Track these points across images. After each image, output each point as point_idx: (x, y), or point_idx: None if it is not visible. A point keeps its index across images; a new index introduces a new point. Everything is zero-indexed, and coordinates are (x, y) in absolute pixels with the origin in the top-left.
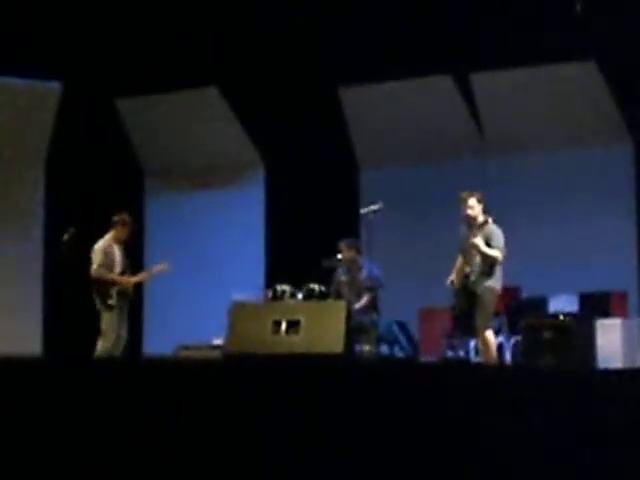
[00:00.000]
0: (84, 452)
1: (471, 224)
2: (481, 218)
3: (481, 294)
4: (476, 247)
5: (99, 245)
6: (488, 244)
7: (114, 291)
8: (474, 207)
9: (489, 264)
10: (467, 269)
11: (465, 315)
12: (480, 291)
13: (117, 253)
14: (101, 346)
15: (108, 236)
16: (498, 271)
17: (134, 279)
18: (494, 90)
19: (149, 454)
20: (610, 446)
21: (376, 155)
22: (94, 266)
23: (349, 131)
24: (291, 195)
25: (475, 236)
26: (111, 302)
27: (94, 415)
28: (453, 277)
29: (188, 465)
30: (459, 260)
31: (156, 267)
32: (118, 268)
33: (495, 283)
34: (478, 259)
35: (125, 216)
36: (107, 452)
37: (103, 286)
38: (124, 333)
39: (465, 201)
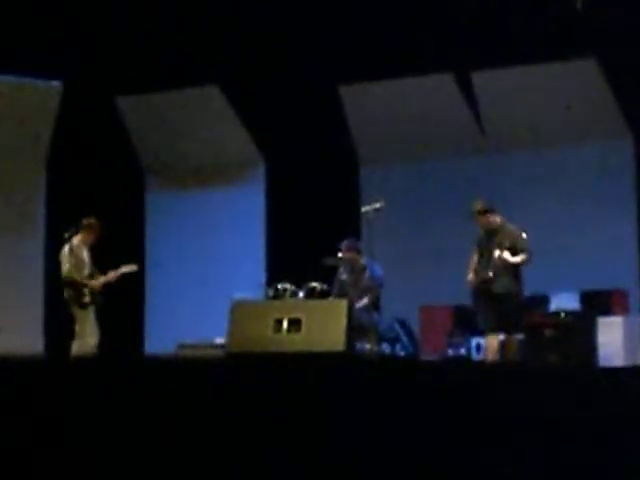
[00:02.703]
0: (83, 450)
1: (490, 233)
2: (495, 224)
3: (506, 296)
4: (505, 261)
5: (67, 248)
6: (514, 247)
7: (87, 290)
8: (483, 219)
9: (518, 267)
10: (489, 273)
11: (491, 316)
12: (505, 293)
13: (85, 256)
14: (82, 345)
15: (76, 239)
16: (521, 274)
17: (102, 280)
18: (495, 88)
19: (149, 452)
20: (611, 444)
21: (377, 153)
22: (65, 268)
23: (350, 129)
24: (292, 193)
25: (502, 249)
26: (85, 300)
27: (94, 413)
28: (472, 276)
29: (188, 463)
30: (475, 259)
31: (124, 267)
32: (86, 270)
33: (518, 285)
34: (504, 265)
35: (93, 220)
36: (107, 450)
37: (76, 287)
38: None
39: (473, 216)
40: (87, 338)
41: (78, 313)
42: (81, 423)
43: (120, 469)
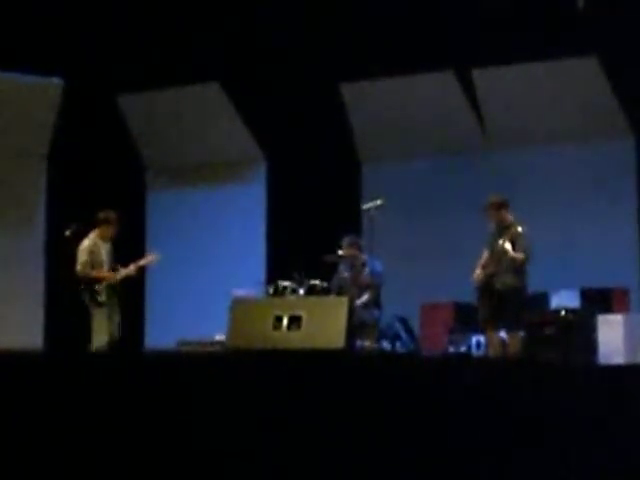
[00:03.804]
0: (84, 443)
1: (500, 228)
2: (507, 221)
3: (507, 293)
4: (506, 252)
5: (84, 244)
6: (512, 244)
7: (102, 288)
8: (495, 215)
9: (517, 265)
10: (492, 268)
11: (489, 312)
12: (505, 290)
13: (103, 251)
14: (95, 342)
15: (93, 234)
16: (524, 271)
17: (122, 273)
18: (496, 86)
19: (148, 446)
20: (612, 441)
21: (378, 151)
22: (79, 266)
23: (351, 127)
24: (293, 191)
25: (504, 241)
26: (101, 299)
27: (95, 407)
28: (478, 272)
29: (188, 457)
30: (485, 255)
31: (146, 258)
32: (105, 265)
33: (520, 282)
34: (506, 260)
35: (110, 214)
36: (108, 443)
37: (90, 284)
38: (116, 329)
39: (486, 210)
40: (98, 336)
41: (92, 310)
42: (82, 416)
43: (119, 461)
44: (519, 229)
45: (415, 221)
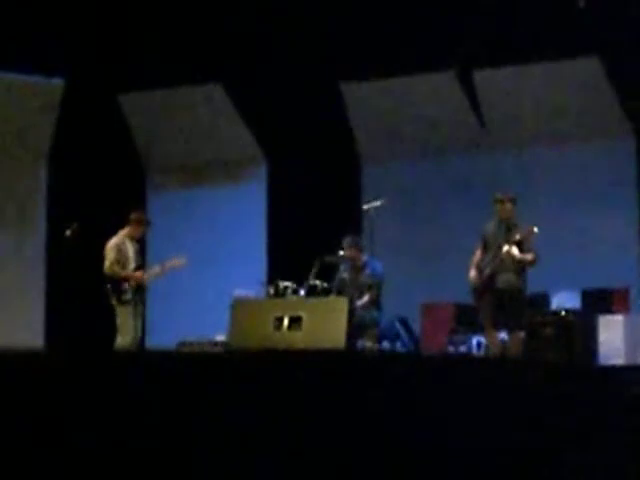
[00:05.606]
0: (83, 446)
1: (506, 226)
2: (514, 218)
3: (509, 293)
4: (514, 257)
5: (112, 242)
6: (523, 244)
7: (128, 286)
8: (510, 210)
9: (525, 265)
10: (491, 268)
11: (490, 312)
12: (509, 289)
13: (130, 250)
14: (119, 341)
15: (122, 233)
16: (524, 272)
17: (149, 274)
18: (497, 86)
19: (148, 449)
20: (611, 444)
21: (378, 151)
22: (107, 263)
23: (351, 127)
24: (293, 191)
25: (510, 243)
26: (125, 297)
27: (94, 408)
28: (474, 273)
29: (188, 458)
30: (478, 254)
31: (173, 261)
32: (132, 264)
33: (522, 282)
34: (509, 260)
35: (142, 215)
36: (106, 444)
37: (117, 282)
38: (139, 328)
39: (502, 203)
40: (123, 334)
41: (117, 309)
42: (80, 417)
43: (118, 463)
44: (535, 228)
45: (415, 221)
